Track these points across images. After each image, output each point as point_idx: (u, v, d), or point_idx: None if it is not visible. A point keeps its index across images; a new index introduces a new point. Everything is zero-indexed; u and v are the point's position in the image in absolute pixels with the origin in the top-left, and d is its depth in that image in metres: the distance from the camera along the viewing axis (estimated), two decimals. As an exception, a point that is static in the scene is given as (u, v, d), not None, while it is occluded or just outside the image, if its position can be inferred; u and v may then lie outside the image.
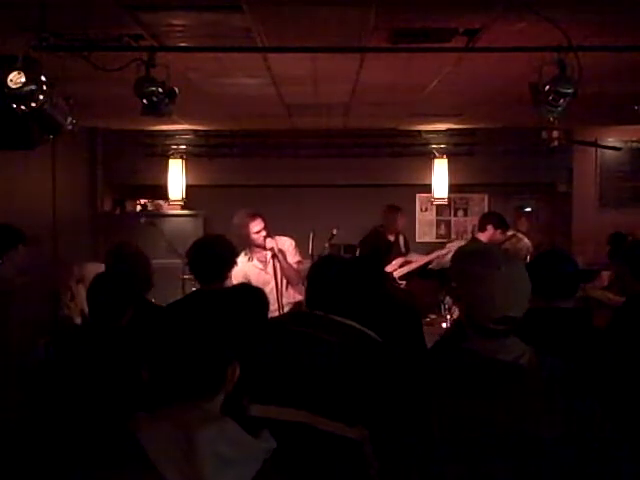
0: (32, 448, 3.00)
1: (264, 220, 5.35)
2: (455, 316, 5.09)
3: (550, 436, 1.81)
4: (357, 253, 7.01)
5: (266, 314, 3.19)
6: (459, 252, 2.24)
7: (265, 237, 5.29)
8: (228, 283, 3.94)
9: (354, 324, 2.74)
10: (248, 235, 5.29)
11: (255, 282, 5.20)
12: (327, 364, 2.60)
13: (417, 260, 7.02)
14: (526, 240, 6.93)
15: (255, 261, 5.39)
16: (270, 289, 5.17)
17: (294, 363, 2.62)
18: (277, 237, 5.46)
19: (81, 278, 5.85)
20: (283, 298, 5.32)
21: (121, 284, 3.25)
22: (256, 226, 5.31)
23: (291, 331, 2.74)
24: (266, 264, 5.39)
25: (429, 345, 3.72)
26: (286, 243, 5.53)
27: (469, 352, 1.90)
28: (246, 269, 5.28)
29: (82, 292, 4.76)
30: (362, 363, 2.64)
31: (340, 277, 2.83)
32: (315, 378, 2.59)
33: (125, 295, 3.20)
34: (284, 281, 5.41)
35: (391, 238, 7.06)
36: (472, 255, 2.04)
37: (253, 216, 5.32)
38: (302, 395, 2.57)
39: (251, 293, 3.22)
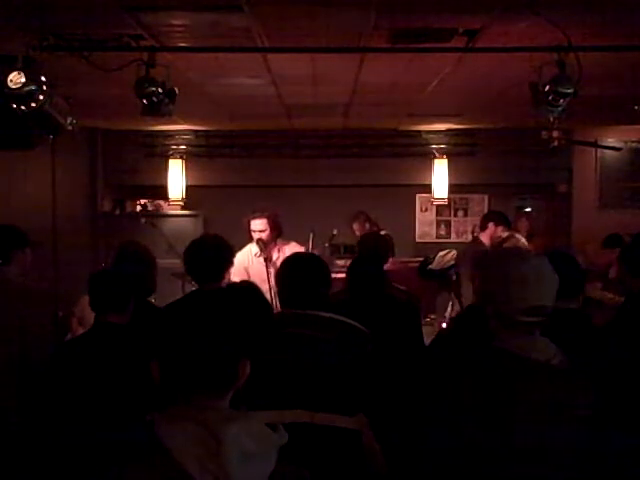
0: (40, 450, 3.01)
1: (270, 222, 5.38)
2: (454, 315, 5.10)
3: (582, 436, 1.80)
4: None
5: (271, 312, 3.19)
6: (487, 254, 2.26)
7: (261, 239, 5.33)
8: (227, 277, 3.97)
9: (334, 316, 2.76)
10: (248, 233, 5.35)
11: (255, 274, 5.30)
12: (319, 360, 2.62)
13: None
14: (523, 240, 6.94)
15: (260, 259, 5.42)
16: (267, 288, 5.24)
17: (289, 365, 2.63)
18: (290, 244, 5.53)
19: (81, 317, 5.85)
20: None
21: (121, 277, 3.28)
22: (253, 226, 5.36)
23: (281, 334, 2.73)
24: (269, 263, 5.41)
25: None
26: (289, 249, 5.58)
27: (500, 350, 1.88)
28: (249, 260, 5.37)
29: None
30: (354, 353, 2.67)
31: (311, 272, 2.85)
32: (309, 375, 2.60)
33: (126, 286, 3.23)
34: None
35: None
36: (500, 253, 2.06)
37: (256, 216, 5.38)
38: (299, 394, 2.58)
39: (252, 292, 3.21)
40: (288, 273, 2.91)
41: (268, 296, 5.14)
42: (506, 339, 1.90)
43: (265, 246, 5.35)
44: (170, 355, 1.53)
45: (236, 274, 5.24)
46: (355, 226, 7.79)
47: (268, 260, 5.34)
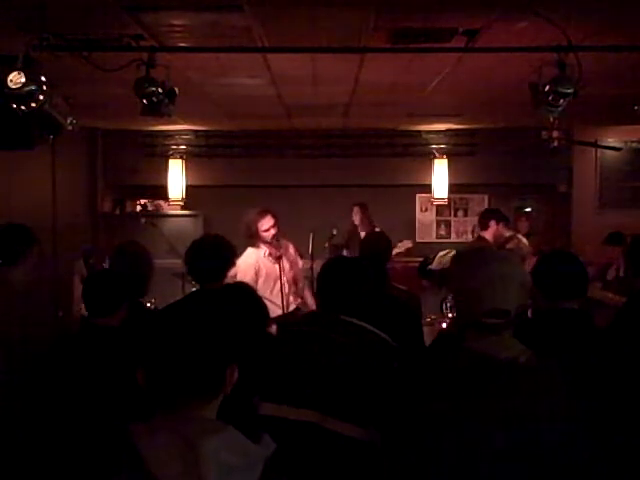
0: (29, 453, 3.00)
1: (274, 217, 5.40)
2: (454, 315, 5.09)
3: (549, 436, 1.81)
4: (345, 252, 7.27)
5: (264, 315, 3.17)
6: (456, 254, 2.27)
7: (274, 235, 5.33)
8: (231, 281, 3.94)
9: (366, 325, 2.75)
10: (257, 232, 5.33)
11: (267, 274, 5.30)
12: (340, 365, 2.61)
13: None
14: (525, 240, 6.97)
15: (271, 257, 5.42)
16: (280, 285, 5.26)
17: (307, 363, 2.64)
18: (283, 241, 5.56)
19: (83, 275, 5.93)
20: (290, 296, 5.37)
21: (115, 280, 3.27)
22: (265, 224, 5.36)
23: (305, 332, 2.75)
24: (276, 260, 5.42)
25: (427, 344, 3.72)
26: (291, 247, 5.61)
27: (467, 351, 1.92)
28: (258, 261, 5.35)
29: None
30: (375, 365, 2.65)
31: (353, 278, 2.85)
32: (328, 379, 2.60)
33: (119, 291, 3.21)
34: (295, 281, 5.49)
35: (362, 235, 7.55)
36: (466, 254, 2.08)
37: (263, 214, 5.37)
38: (314, 395, 2.58)
39: (245, 292, 3.20)
40: (327, 276, 2.91)
41: (280, 294, 5.18)
42: (474, 338, 1.92)
43: (278, 241, 5.36)
44: (153, 360, 1.51)
45: (245, 278, 5.20)
46: (355, 210, 8.05)
47: (280, 257, 5.35)
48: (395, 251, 7.98)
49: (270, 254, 5.40)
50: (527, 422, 1.81)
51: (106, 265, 6.17)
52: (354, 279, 2.86)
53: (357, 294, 2.82)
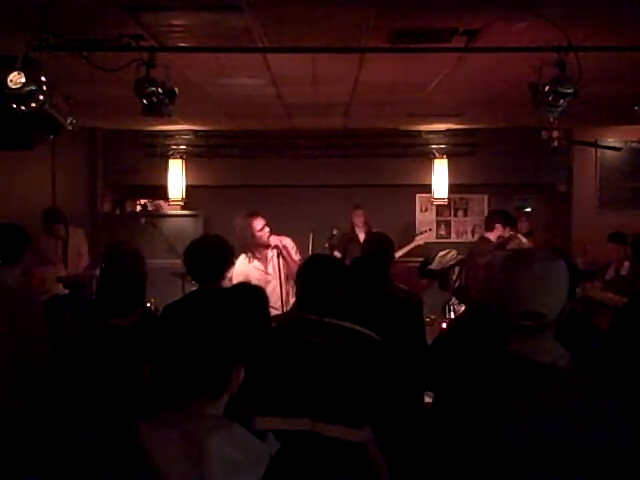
0: (33, 452, 3.00)
1: (264, 218, 5.37)
2: (455, 315, 5.10)
3: (588, 440, 1.79)
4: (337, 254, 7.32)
5: (267, 314, 3.16)
6: (503, 255, 2.21)
7: (269, 234, 5.32)
8: (227, 284, 3.94)
9: (353, 326, 2.72)
10: (253, 235, 5.29)
11: (258, 280, 5.25)
12: (329, 370, 2.59)
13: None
14: (525, 241, 6.98)
15: (255, 262, 5.39)
16: (272, 289, 5.22)
17: (295, 372, 2.60)
18: (277, 236, 5.50)
19: (79, 252, 5.97)
20: (289, 296, 5.35)
21: (131, 283, 3.26)
22: (259, 224, 5.32)
23: (290, 338, 2.70)
24: (267, 264, 5.40)
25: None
26: (287, 240, 5.58)
27: (505, 354, 1.89)
28: (247, 271, 5.30)
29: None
30: (366, 366, 2.63)
31: (331, 277, 2.77)
32: (318, 385, 2.57)
33: (134, 293, 3.20)
34: (289, 279, 5.45)
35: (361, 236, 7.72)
36: (509, 256, 2.04)
37: (254, 215, 5.33)
38: (305, 402, 2.56)
39: (251, 292, 3.19)
40: (307, 276, 2.82)
41: (277, 293, 5.16)
42: (512, 341, 1.90)
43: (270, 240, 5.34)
44: (161, 358, 1.52)
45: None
46: (360, 212, 8.15)
47: (280, 254, 5.32)
48: (414, 244, 8.14)
49: (258, 260, 5.38)
50: (562, 426, 1.79)
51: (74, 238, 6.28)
52: (330, 278, 2.76)
53: (335, 294, 2.72)
